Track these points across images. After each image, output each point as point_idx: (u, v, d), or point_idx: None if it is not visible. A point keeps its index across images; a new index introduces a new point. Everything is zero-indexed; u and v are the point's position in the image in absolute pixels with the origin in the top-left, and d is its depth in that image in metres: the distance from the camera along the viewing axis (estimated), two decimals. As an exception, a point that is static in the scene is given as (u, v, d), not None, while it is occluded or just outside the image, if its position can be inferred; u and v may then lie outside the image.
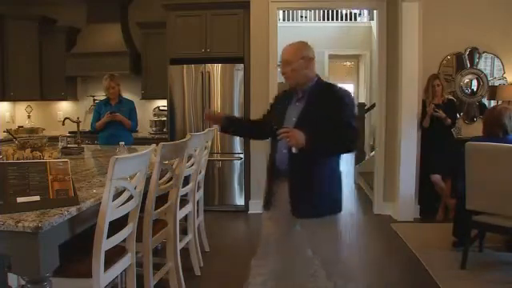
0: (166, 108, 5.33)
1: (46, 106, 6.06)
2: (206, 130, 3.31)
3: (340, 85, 2.24)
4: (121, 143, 2.69)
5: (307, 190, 2.12)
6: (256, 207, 4.47)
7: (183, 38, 5.04)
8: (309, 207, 2.12)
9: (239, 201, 5.07)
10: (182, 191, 2.85)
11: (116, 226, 1.93)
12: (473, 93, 5.02)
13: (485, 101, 5.06)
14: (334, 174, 2.21)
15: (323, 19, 9.76)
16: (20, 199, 1.63)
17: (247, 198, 5.02)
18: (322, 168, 2.14)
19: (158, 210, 2.48)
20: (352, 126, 2.11)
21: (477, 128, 4.54)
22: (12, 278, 2.25)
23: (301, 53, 2.17)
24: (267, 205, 2.30)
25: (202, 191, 3.52)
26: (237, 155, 5.01)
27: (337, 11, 9.63)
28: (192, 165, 3.04)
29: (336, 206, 2.22)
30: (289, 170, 2.13)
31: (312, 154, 2.05)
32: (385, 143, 4.84)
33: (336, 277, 2.19)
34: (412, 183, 4.55)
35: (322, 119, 2.07)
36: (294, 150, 2.03)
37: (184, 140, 2.67)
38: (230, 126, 2.44)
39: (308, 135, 1.97)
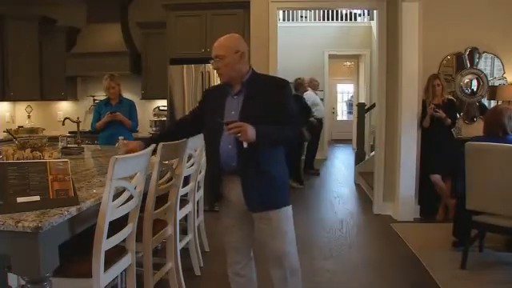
0: (165, 108, 5.33)
1: (45, 106, 6.06)
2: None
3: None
4: (120, 138, 2.63)
5: (261, 185, 2.05)
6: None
7: (183, 38, 5.04)
8: (264, 200, 2.06)
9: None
10: (182, 191, 2.85)
11: (116, 225, 1.93)
12: (473, 93, 5.02)
13: (485, 101, 5.05)
14: (282, 165, 2.17)
15: (323, 19, 9.77)
16: (20, 199, 1.63)
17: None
18: (272, 160, 2.10)
19: (158, 210, 2.48)
20: (294, 114, 2.12)
21: (477, 128, 4.55)
22: (12, 278, 2.25)
23: (234, 47, 2.11)
24: (219, 206, 2.23)
25: (202, 191, 3.52)
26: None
27: (337, 11, 9.64)
28: (192, 165, 3.04)
29: (288, 197, 2.17)
30: (239, 167, 2.04)
31: (261, 147, 1.99)
32: (385, 143, 4.84)
33: (285, 268, 2.14)
34: (412, 183, 4.55)
35: (264, 111, 2.02)
36: (245, 144, 1.94)
37: (184, 140, 2.67)
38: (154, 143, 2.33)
39: (256, 128, 1.92)
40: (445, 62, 4.93)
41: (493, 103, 4.96)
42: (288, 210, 2.15)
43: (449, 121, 4.41)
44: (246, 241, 2.26)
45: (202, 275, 3.18)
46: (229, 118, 2.02)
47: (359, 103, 8.03)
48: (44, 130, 5.85)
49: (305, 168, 7.41)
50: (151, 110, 5.80)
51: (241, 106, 2.07)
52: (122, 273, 2.16)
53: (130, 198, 2.01)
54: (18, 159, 2.21)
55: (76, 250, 1.89)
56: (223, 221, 2.27)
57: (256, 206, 2.09)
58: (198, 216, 3.45)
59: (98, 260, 1.78)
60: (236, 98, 2.11)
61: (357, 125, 7.53)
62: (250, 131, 1.90)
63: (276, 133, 2.03)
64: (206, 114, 2.22)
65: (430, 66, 4.69)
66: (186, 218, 3.20)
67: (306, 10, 8.98)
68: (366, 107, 7.43)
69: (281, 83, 2.16)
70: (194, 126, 2.40)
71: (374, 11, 6.05)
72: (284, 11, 8.90)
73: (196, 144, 3.01)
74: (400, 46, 4.51)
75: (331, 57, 9.76)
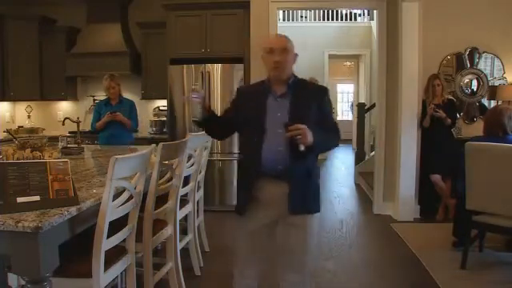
0: (165, 108, 5.33)
1: (46, 106, 6.06)
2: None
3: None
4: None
5: (307, 188, 2.07)
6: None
7: (183, 38, 5.04)
8: (306, 204, 2.07)
9: (239, 201, 5.06)
10: (182, 191, 2.85)
11: (116, 225, 1.93)
12: (473, 93, 5.02)
13: (485, 101, 5.06)
14: (318, 170, 2.22)
15: (323, 19, 9.77)
16: (20, 199, 1.63)
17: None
18: (314, 164, 2.13)
19: (158, 210, 2.48)
20: (334, 121, 2.18)
21: (477, 128, 4.55)
22: (12, 278, 2.25)
23: (294, 46, 2.13)
24: (248, 210, 2.12)
25: (202, 191, 3.52)
26: (237, 155, 5.01)
27: (337, 11, 9.65)
28: (192, 165, 3.04)
29: (320, 204, 2.19)
30: (289, 170, 2.00)
31: (316, 151, 2.02)
32: (385, 143, 4.84)
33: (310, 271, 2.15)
34: (412, 183, 4.55)
35: (310, 115, 2.02)
36: (302, 147, 1.90)
37: (184, 140, 2.67)
38: (209, 122, 2.25)
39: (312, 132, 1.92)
40: (445, 62, 4.93)
41: (493, 103, 4.96)
42: (318, 216, 2.17)
43: (449, 121, 4.41)
44: (263, 246, 2.20)
45: (201, 275, 3.18)
46: (274, 120, 2.00)
47: (359, 103, 8.03)
48: (44, 129, 5.85)
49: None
50: (151, 110, 5.80)
51: (289, 108, 2.04)
52: (121, 273, 2.15)
53: (130, 198, 2.01)
54: (18, 159, 2.21)
55: (76, 250, 1.89)
56: (247, 225, 2.16)
57: (298, 208, 2.05)
58: (198, 216, 3.45)
59: (98, 260, 1.78)
60: (280, 100, 2.07)
61: (357, 125, 7.53)
62: (310, 134, 1.90)
63: (327, 138, 2.06)
64: (243, 113, 2.13)
65: (430, 66, 4.69)
66: (186, 218, 3.20)
67: (306, 9, 8.99)
68: (366, 107, 7.43)
69: (323, 89, 2.19)
70: (228, 127, 2.29)
71: (374, 11, 6.04)
72: (284, 11, 8.91)
73: (196, 144, 3.01)
74: (400, 46, 4.51)
75: (331, 57, 9.76)
